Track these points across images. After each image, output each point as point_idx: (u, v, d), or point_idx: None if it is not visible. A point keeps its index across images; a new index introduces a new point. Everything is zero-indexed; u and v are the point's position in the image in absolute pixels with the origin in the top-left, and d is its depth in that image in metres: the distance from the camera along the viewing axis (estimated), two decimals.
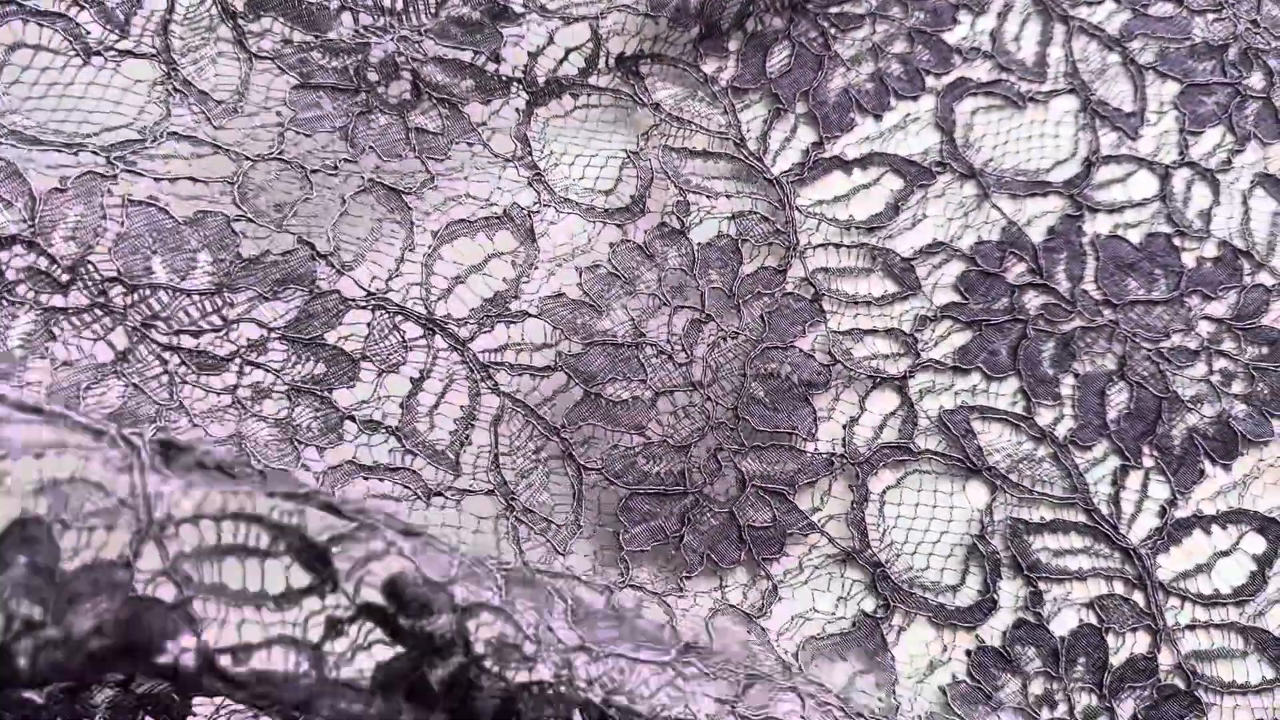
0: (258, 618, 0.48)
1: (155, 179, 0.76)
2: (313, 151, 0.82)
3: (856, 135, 0.90)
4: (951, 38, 0.93)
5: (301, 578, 0.49)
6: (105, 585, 0.47)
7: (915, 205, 0.88)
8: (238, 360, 0.74)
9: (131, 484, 0.49)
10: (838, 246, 0.87)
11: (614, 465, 0.78)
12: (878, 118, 0.91)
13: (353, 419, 0.76)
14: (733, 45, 0.91)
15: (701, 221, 0.85)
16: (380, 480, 0.75)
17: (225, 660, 0.47)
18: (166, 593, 0.48)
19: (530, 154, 0.85)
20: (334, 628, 0.48)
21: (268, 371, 0.75)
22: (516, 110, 0.86)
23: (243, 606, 0.49)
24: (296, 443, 0.73)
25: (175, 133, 0.78)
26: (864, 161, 0.90)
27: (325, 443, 0.75)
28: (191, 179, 0.77)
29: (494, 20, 0.87)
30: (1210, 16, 0.95)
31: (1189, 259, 0.88)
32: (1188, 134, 0.92)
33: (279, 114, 0.82)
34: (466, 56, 0.86)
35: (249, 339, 0.75)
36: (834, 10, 0.92)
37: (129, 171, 0.76)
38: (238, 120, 0.80)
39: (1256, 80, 0.93)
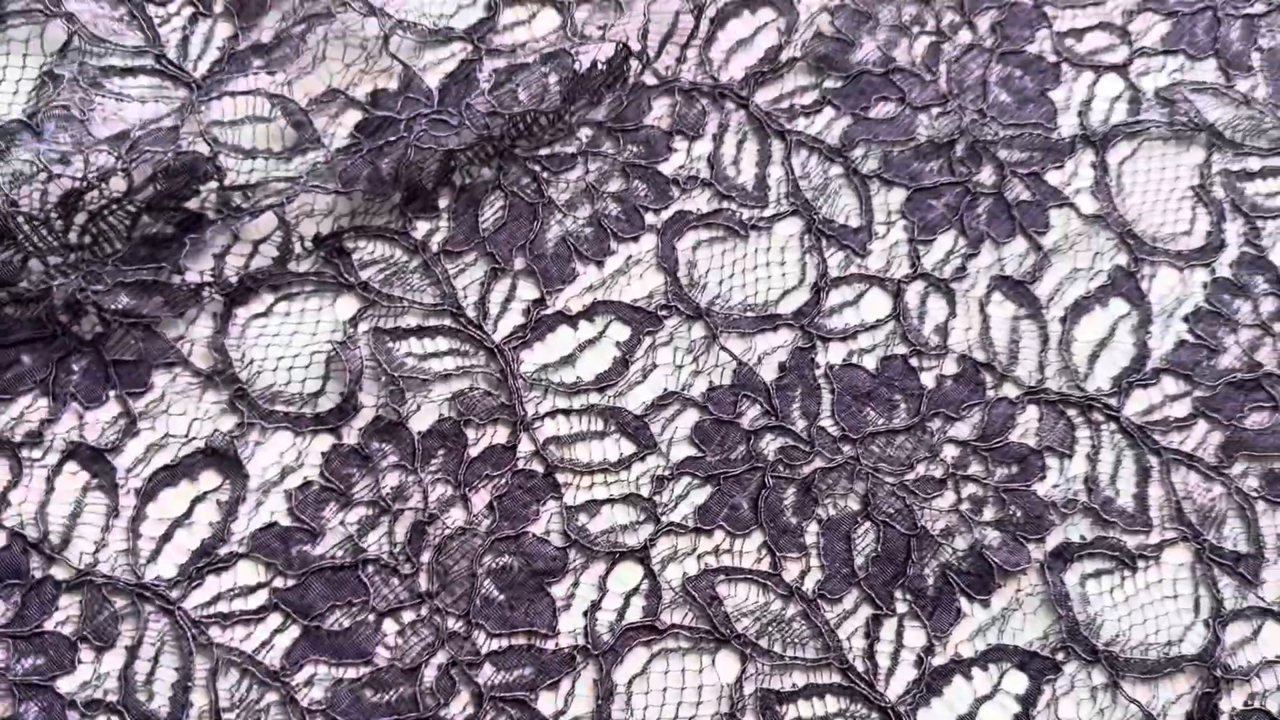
0: None
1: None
2: (16, 419, 0.81)
3: (579, 286, 0.90)
4: (668, 168, 0.92)
5: None
6: None
7: (644, 355, 0.87)
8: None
9: None
10: (568, 412, 0.86)
11: (340, 702, 0.76)
12: (599, 264, 0.90)
13: (75, 705, 0.76)
14: (443, 202, 0.89)
15: (420, 408, 0.84)
16: None
17: None
18: None
19: (230, 366, 0.83)
20: None
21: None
22: (214, 315, 0.85)
23: None
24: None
25: None
26: (589, 313, 0.89)
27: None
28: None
29: (185, 232, 0.85)
30: (935, 111, 0.96)
31: (928, 379, 0.89)
32: (918, 243, 0.92)
33: None
34: (149, 275, 0.82)
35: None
36: (544, 152, 0.90)
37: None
38: None
39: (986, 175, 0.94)
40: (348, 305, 0.87)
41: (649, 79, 0.95)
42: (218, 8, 0.93)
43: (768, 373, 0.88)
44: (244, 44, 0.92)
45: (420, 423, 0.85)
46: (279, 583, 0.80)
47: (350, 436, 0.84)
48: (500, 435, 0.85)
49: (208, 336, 0.85)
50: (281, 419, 0.84)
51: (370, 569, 0.80)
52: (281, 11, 0.93)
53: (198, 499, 0.82)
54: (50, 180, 0.81)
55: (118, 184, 0.82)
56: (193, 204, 0.85)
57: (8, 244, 0.80)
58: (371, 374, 0.85)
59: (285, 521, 0.81)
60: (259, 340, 0.86)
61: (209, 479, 0.82)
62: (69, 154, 0.84)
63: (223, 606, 0.79)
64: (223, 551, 0.80)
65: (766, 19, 0.98)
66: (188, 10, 0.93)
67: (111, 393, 0.83)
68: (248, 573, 0.80)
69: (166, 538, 0.80)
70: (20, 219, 0.79)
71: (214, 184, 0.86)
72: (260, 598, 0.79)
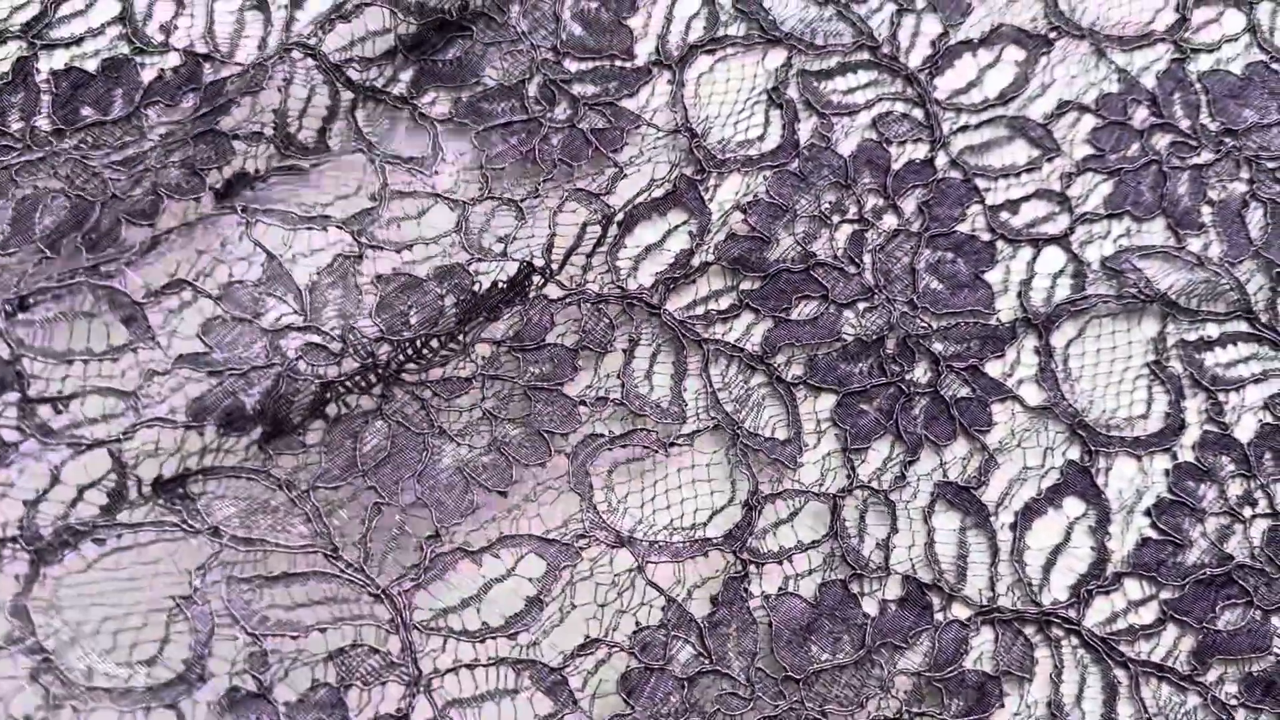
0: None
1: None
2: None
3: (480, 519, 0.82)
4: (574, 389, 0.85)
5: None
6: None
7: (561, 594, 0.80)
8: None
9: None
10: (472, 666, 0.78)
11: None
12: (503, 494, 0.82)
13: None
14: (312, 439, 0.81)
15: (287, 674, 0.76)
16: None
17: None
18: None
19: (33, 634, 0.74)
20: None
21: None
22: (17, 578, 0.76)
23: None
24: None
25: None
26: (494, 547, 0.82)
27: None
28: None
29: None
30: (861, 307, 0.90)
31: (870, 606, 0.81)
32: (851, 453, 0.84)
33: None
34: None
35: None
36: (435, 375, 0.83)
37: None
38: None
39: (921, 372, 0.87)
40: (195, 552, 0.78)
41: (552, 291, 0.88)
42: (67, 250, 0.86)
43: (699, 608, 0.80)
44: None
45: (288, 692, 0.76)
46: None
47: (198, 715, 0.74)
48: (389, 701, 0.76)
49: (8, 601, 0.75)
50: (103, 696, 0.74)
51: None
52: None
53: None
54: None
55: None
56: None
57: None
58: (226, 635, 0.76)
59: None
60: (76, 603, 0.76)
61: None
62: None
63: None
64: None
65: (677, 221, 0.91)
66: None
67: None
68: None
69: None
70: None
71: (14, 395, 0.78)
72: None
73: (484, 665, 0.79)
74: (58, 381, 0.81)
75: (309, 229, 0.88)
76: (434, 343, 0.84)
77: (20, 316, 0.81)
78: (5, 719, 0.73)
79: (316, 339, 0.85)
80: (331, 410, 0.83)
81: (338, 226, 0.88)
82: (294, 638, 0.77)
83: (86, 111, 0.90)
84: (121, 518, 0.79)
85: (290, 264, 0.87)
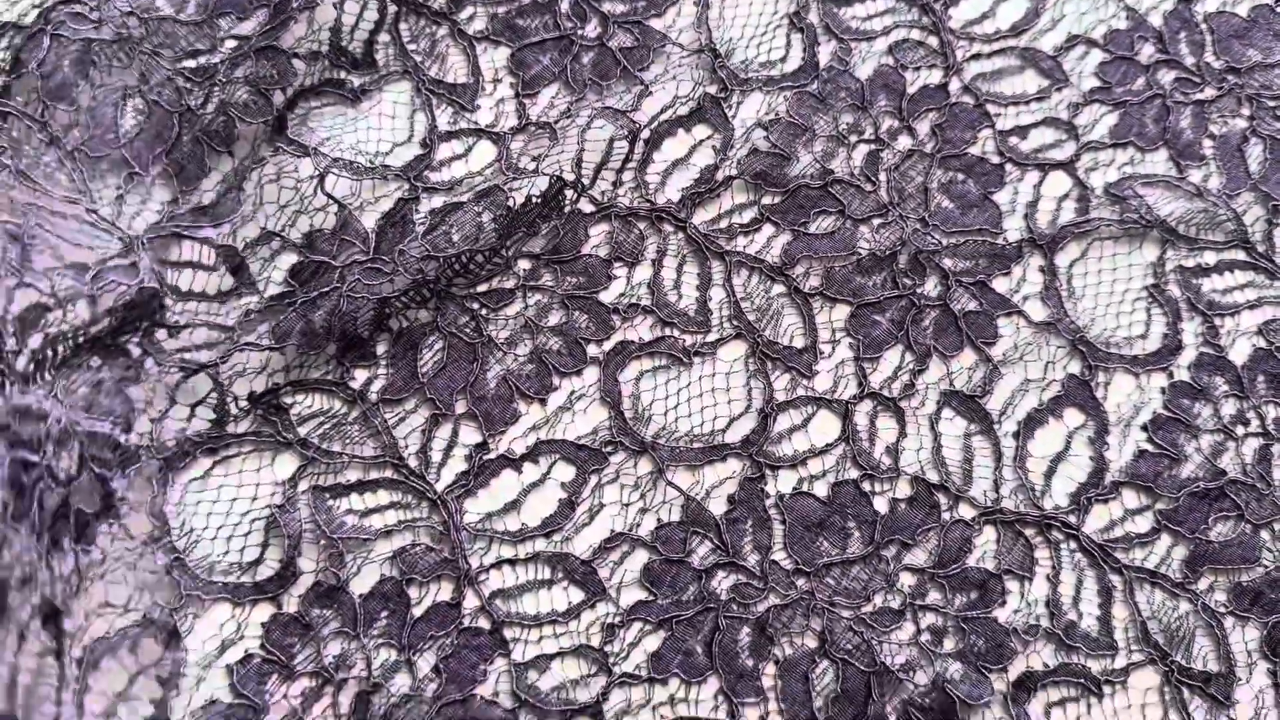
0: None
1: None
2: None
3: (522, 426, 0.87)
4: (608, 297, 0.89)
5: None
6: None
7: (590, 495, 0.84)
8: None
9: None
10: (513, 563, 0.83)
11: None
12: (542, 402, 0.87)
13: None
14: (380, 349, 0.86)
15: (360, 570, 0.81)
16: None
17: None
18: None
19: (169, 534, 0.81)
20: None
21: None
22: (150, 480, 0.82)
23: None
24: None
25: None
26: (533, 454, 0.86)
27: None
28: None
29: (122, 386, 0.83)
30: (876, 223, 0.92)
31: (881, 504, 0.85)
32: (864, 361, 0.88)
33: None
34: (105, 427, 0.81)
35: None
36: (482, 289, 0.87)
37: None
38: None
39: (931, 286, 0.90)
40: (287, 463, 0.85)
41: (585, 206, 0.91)
42: (155, 169, 0.90)
43: (717, 506, 0.84)
44: (184, 207, 0.89)
45: (362, 585, 0.82)
46: None
47: (290, 604, 0.81)
48: (444, 592, 0.82)
49: (146, 501, 0.82)
50: (220, 590, 0.81)
51: None
52: (222, 174, 0.90)
53: (138, 672, 0.79)
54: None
55: (81, 311, 0.81)
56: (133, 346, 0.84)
57: None
58: (310, 537, 0.82)
59: (226, 697, 0.79)
60: (198, 507, 0.83)
61: (150, 650, 0.79)
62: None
63: None
64: None
65: (702, 136, 0.94)
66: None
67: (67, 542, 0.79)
68: None
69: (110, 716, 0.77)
70: None
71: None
72: None
73: (522, 561, 0.83)
74: (175, 314, 0.87)
75: (372, 180, 0.93)
76: (479, 258, 0.87)
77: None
78: (150, 606, 0.80)
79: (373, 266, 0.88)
80: (395, 324, 0.88)
81: (397, 175, 0.92)
82: (364, 540, 0.83)
83: (161, 1, 0.93)
84: (230, 429, 0.86)
85: (359, 210, 0.92)
